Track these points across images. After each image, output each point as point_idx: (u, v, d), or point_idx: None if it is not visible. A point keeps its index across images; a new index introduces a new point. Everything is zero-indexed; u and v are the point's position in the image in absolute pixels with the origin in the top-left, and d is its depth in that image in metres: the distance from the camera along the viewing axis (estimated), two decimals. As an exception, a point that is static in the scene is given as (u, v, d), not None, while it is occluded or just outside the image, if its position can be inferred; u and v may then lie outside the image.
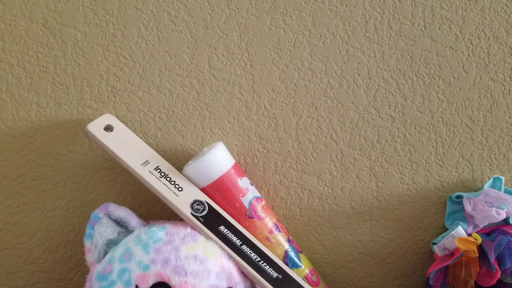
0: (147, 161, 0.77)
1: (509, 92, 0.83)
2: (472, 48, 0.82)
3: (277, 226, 0.80)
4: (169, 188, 0.76)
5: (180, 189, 0.76)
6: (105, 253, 0.74)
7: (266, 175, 0.85)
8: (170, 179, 0.77)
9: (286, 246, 0.80)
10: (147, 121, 0.83)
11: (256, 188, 0.84)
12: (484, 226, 0.80)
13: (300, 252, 0.82)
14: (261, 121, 0.84)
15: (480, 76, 0.83)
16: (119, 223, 0.75)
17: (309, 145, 0.84)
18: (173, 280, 0.69)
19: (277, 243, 0.80)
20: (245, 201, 0.79)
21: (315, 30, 0.82)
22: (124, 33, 0.81)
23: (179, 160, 0.84)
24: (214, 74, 0.82)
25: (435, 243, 0.82)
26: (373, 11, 0.82)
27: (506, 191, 0.82)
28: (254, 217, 0.79)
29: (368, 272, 0.87)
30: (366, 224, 0.86)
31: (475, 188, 0.85)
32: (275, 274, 0.75)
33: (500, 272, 0.75)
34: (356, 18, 0.82)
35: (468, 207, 0.80)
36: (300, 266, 0.80)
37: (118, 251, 0.73)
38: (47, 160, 0.83)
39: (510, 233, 0.78)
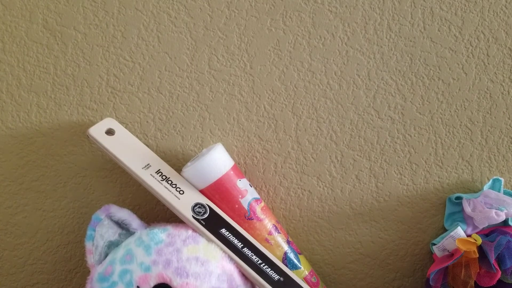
0: (148, 164, 0.77)
1: (509, 93, 0.83)
2: (472, 49, 0.82)
3: (276, 228, 0.80)
4: (170, 191, 0.76)
5: (181, 192, 0.76)
6: (106, 255, 0.74)
7: (266, 176, 0.85)
8: (171, 182, 0.77)
9: (286, 247, 0.80)
10: (147, 122, 0.83)
11: (256, 189, 0.84)
12: (484, 227, 0.80)
13: (300, 254, 0.82)
14: (261, 122, 0.84)
15: (480, 77, 0.83)
16: (120, 224, 0.75)
17: (308, 146, 0.84)
18: (175, 282, 0.69)
19: (276, 245, 0.80)
20: (244, 202, 0.79)
21: (314, 31, 0.82)
22: (124, 34, 0.81)
23: (179, 161, 0.84)
24: (214, 75, 0.82)
25: (435, 244, 0.82)
26: (372, 12, 0.82)
27: (505, 193, 0.82)
28: (253, 219, 0.79)
29: (367, 273, 0.87)
30: (365, 225, 0.86)
31: (475, 189, 0.85)
32: (276, 277, 0.75)
33: (500, 272, 0.75)
34: (355, 19, 0.82)
35: (467, 209, 0.80)
36: (300, 268, 0.80)
37: (119, 252, 0.73)
38: (47, 161, 0.83)
39: (509, 233, 0.78)
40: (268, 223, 0.80)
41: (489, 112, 0.84)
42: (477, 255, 0.76)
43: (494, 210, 0.78)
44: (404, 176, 0.85)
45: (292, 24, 0.82)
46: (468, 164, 0.85)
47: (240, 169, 0.83)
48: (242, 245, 0.75)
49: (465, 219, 0.82)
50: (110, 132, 0.79)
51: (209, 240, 0.74)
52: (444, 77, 0.83)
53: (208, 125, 0.83)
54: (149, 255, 0.71)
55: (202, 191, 0.78)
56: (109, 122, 0.80)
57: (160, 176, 0.77)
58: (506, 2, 0.81)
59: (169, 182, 0.77)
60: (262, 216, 0.79)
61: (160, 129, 0.83)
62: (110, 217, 0.75)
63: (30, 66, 0.81)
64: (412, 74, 0.83)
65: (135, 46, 0.81)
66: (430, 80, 0.83)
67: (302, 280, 0.79)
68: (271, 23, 0.82)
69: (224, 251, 0.74)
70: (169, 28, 0.81)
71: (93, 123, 0.80)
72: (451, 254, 0.80)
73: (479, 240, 0.77)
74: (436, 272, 0.78)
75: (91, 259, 0.74)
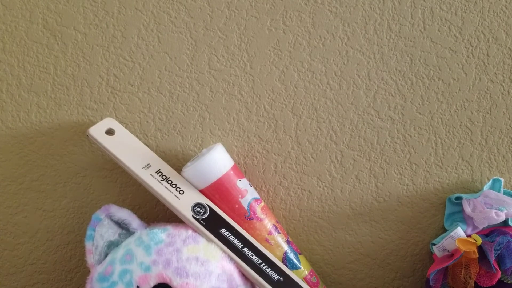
0: (148, 164, 0.77)
1: (509, 93, 0.83)
2: (472, 50, 0.82)
3: (276, 228, 0.80)
4: (170, 191, 0.76)
5: (181, 192, 0.76)
6: (106, 255, 0.74)
7: (265, 176, 0.85)
8: (172, 182, 0.77)
9: (285, 247, 0.80)
10: (147, 122, 0.83)
11: (256, 189, 0.84)
12: (484, 227, 0.80)
13: (300, 254, 0.82)
14: (261, 122, 0.84)
15: (480, 77, 0.83)
16: (120, 224, 0.75)
17: (308, 146, 0.84)
18: (175, 282, 0.69)
19: (276, 245, 0.80)
20: (244, 202, 0.79)
21: (314, 31, 0.82)
22: (124, 34, 0.81)
23: (179, 161, 0.83)
24: (214, 75, 0.82)
25: (434, 244, 0.82)
26: (372, 12, 0.82)
27: (505, 193, 0.82)
28: (253, 219, 0.79)
29: (367, 273, 0.87)
30: (365, 225, 0.86)
31: (475, 189, 0.85)
32: (276, 277, 0.75)
33: (500, 272, 0.75)
34: (355, 19, 0.82)
35: (467, 209, 0.80)
36: (300, 268, 0.80)
37: (119, 252, 0.73)
38: (47, 161, 0.83)
39: (509, 233, 0.78)
40: (268, 223, 0.80)
41: (489, 112, 0.83)
42: (477, 255, 0.76)
43: (494, 210, 0.78)
44: (404, 176, 0.85)
45: (292, 24, 0.82)
46: (468, 164, 0.85)
47: (240, 169, 0.83)
48: (242, 245, 0.75)
49: (465, 219, 0.82)
50: (110, 132, 0.79)
51: (209, 240, 0.74)
52: (444, 77, 0.83)
53: (208, 125, 0.83)
54: (149, 255, 0.71)
55: (202, 191, 0.78)
56: (109, 122, 0.80)
57: (160, 176, 0.77)
58: (506, 2, 0.81)
59: (169, 182, 0.77)
60: (262, 216, 0.79)
61: (160, 129, 0.83)
62: (110, 217, 0.75)
63: (30, 66, 0.81)
64: (412, 74, 0.83)
65: (135, 46, 0.81)
66: (430, 80, 0.83)
67: (302, 280, 0.79)
68: (271, 23, 0.82)
69: (224, 251, 0.74)
70: (169, 28, 0.81)
71: (93, 123, 0.80)
72: (451, 254, 0.80)
73: (479, 240, 0.77)
74: (436, 272, 0.78)
75: (91, 259, 0.74)
